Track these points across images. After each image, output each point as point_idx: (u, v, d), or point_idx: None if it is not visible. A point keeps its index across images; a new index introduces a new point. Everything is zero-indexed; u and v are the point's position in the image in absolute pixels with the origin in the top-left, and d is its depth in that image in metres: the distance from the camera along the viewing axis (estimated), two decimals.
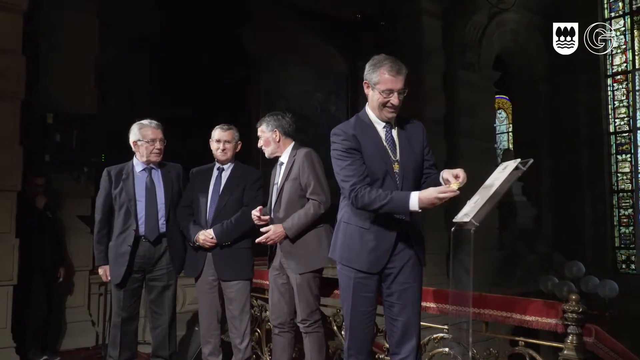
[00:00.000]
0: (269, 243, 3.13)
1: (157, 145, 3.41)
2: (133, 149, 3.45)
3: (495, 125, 11.42)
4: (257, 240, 3.16)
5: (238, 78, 8.81)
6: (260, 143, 3.27)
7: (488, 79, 10.05)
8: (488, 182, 2.26)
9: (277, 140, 3.23)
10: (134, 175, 3.43)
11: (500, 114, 13.23)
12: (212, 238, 3.34)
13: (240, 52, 8.68)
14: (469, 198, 2.28)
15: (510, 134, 12.83)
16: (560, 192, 10.66)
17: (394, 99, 2.34)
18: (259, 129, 3.27)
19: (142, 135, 3.40)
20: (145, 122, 3.45)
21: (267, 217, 3.16)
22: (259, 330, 3.92)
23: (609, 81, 10.71)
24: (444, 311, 2.74)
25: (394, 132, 2.43)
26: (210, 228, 3.37)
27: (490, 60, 10.08)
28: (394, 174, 2.35)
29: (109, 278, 3.41)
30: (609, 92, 10.68)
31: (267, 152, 3.26)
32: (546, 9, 10.01)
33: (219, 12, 8.29)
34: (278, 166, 3.26)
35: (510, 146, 12.53)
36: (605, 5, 10.80)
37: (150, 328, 3.57)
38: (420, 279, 2.44)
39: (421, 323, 3.01)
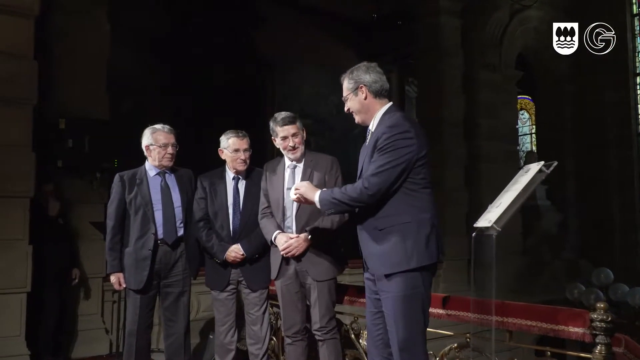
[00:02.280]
0: (290, 254, 3.07)
1: (170, 150, 3.44)
2: (145, 153, 3.48)
3: (517, 126, 11.34)
4: (282, 251, 3.09)
5: (252, 81, 8.87)
6: (295, 141, 3.12)
7: (510, 79, 9.98)
8: (510, 185, 2.25)
9: (304, 139, 3.21)
10: (148, 179, 3.45)
11: (522, 114, 13.14)
12: (242, 254, 3.36)
13: (254, 55, 8.75)
14: (491, 202, 2.27)
15: (534, 135, 12.73)
16: (587, 196, 10.52)
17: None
18: (292, 127, 3.12)
19: (155, 140, 3.42)
20: (157, 126, 3.47)
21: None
22: (274, 338, 3.93)
23: (638, 80, 10.56)
24: (465, 319, 2.72)
25: (368, 138, 2.57)
26: (236, 242, 3.37)
27: (512, 59, 10.00)
28: (356, 177, 2.55)
29: (123, 286, 3.41)
30: (638, 91, 10.53)
31: (300, 152, 3.16)
32: (570, 5, 9.91)
33: (232, 15, 8.36)
34: (288, 169, 3.20)
35: (534, 148, 12.43)
36: (634, 0, 10.66)
37: (163, 336, 3.58)
38: (405, 288, 2.34)
39: (440, 331, 3.02)
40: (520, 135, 12.40)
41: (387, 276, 2.39)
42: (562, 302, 7.71)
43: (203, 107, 7.81)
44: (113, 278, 3.44)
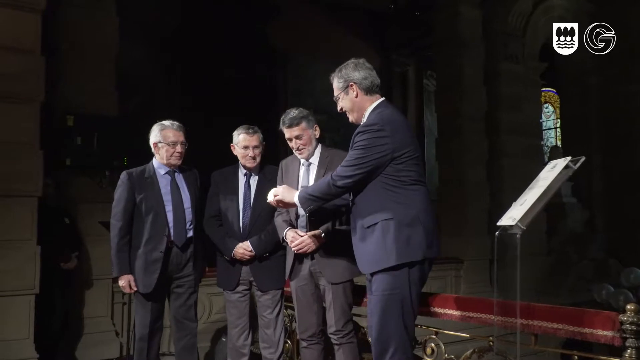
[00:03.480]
0: (302, 251, 3.06)
1: (178, 148, 3.42)
2: (153, 150, 3.47)
3: (541, 120, 11.20)
4: (293, 248, 3.08)
5: (264, 76, 8.88)
6: (299, 142, 3.12)
7: (533, 71, 9.86)
8: (535, 182, 2.22)
9: (317, 137, 3.19)
10: (158, 178, 3.44)
11: (547, 108, 13.01)
12: (250, 251, 3.36)
13: (266, 49, 8.76)
14: (514, 199, 2.24)
15: (558, 129, 12.60)
16: (615, 193, 10.36)
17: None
18: (297, 129, 3.10)
19: (163, 137, 3.41)
20: (166, 123, 3.45)
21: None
22: (289, 342, 3.93)
23: None
24: (488, 322, 2.70)
25: None
26: (245, 239, 3.39)
27: (535, 51, 9.88)
28: None
29: (134, 289, 3.37)
30: None
31: (307, 152, 3.16)
32: None
33: (243, 9, 8.38)
34: (302, 167, 3.20)
35: (558, 143, 12.30)
36: None
37: (174, 338, 3.58)
38: (385, 287, 2.43)
39: (461, 334, 3.00)
40: (544, 130, 12.28)
41: (372, 275, 2.49)
42: (589, 304, 7.62)
43: (214, 102, 7.83)
44: (122, 281, 3.38)
